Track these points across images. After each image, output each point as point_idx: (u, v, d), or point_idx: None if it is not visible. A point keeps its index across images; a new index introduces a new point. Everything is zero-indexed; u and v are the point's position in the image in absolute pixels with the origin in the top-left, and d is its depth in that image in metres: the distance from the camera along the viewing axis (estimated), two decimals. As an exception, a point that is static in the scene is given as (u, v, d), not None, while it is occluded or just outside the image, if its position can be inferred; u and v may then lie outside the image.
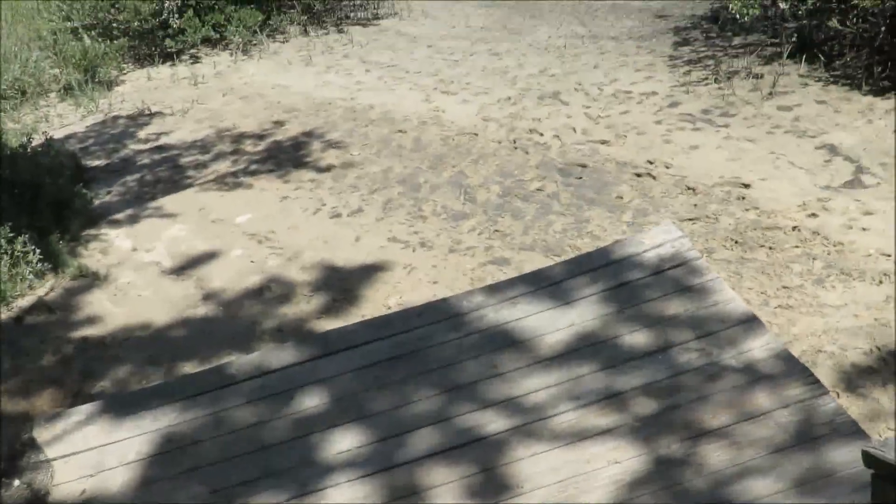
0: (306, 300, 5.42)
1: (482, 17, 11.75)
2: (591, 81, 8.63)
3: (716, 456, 3.40)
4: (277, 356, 4.27)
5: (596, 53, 9.53)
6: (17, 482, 3.71)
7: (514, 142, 7.40)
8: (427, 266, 5.64)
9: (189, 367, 4.78)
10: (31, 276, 5.78)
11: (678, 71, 8.65)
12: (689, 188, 6.27)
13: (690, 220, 5.84)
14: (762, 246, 5.45)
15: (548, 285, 4.46)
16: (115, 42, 10.97)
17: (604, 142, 7.22)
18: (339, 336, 4.43)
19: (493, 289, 4.57)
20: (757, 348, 3.88)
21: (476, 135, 7.65)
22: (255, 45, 11.17)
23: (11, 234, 5.82)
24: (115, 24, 11.19)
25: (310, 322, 5.18)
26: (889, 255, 5.23)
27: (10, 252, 5.79)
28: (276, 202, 6.83)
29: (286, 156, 7.73)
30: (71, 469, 3.77)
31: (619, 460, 3.45)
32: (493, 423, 3.69)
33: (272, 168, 7.50)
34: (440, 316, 4.38)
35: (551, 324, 4.20)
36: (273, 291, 5.56)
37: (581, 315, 4.22)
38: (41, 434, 3.96)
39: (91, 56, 10.56)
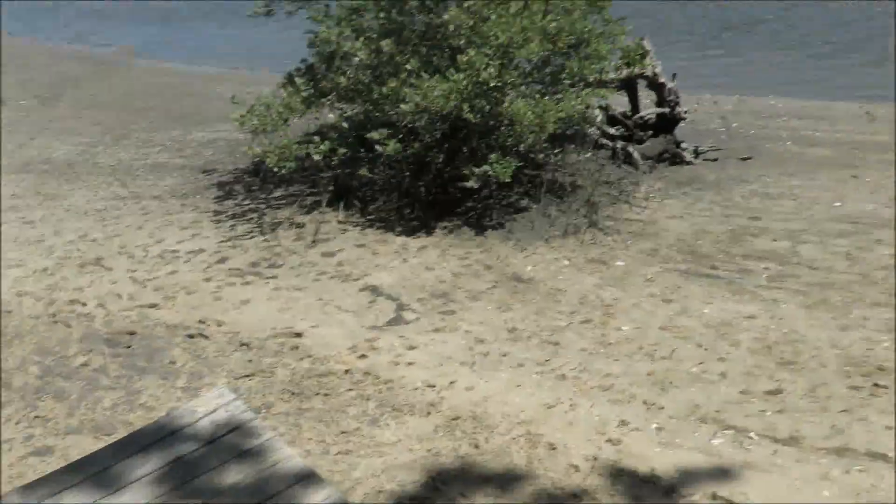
0: None
1: (12, 185, 10.95)
2: (136, 243, 8.36)
3: None
4: None
5: (139, 214, 9.27)
6: None
7: (54, 315, 6.86)
8: (-46, 471, 4.93)
9: None
10: None
11: (224, 226, 8.70)
12: (243, 344, 6.23)
13: (247, 376, 5.79)
14: (318, 393, 5.53)
15: (95, 473, 4.08)
16: None
17: (153, 305, 6.97)
18: None
19: (33, 487, 4.08)
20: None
21: (10, 312, 6.99)
22: None
23: None
24: None
25: None
26: (434, 386, 5.58)
27: None
28: None
29: None
30: None
31: None
32: None
33: None
34: (-32, 531, 3.81)
35: (100, 517, 3.83)
36: None
37: (134, 499, 3.90)
38: None
39: None
